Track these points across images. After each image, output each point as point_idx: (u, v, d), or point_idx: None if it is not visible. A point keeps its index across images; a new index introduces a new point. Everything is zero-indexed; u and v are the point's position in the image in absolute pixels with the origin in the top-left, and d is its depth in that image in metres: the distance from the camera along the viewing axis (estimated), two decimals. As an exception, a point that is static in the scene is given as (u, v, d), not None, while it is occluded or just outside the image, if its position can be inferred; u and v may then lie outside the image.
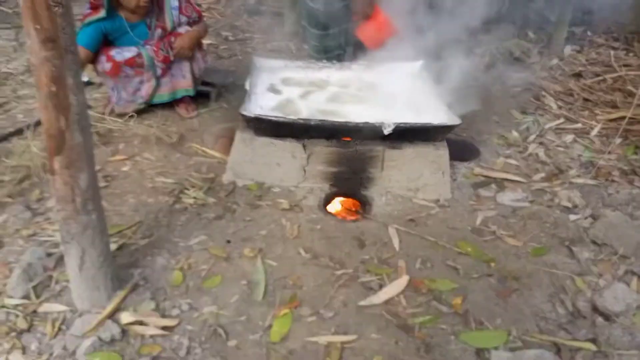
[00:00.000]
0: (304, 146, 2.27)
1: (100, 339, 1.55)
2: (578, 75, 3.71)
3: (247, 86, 2.40)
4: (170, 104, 3.01)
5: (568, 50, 4.24)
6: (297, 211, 2.21)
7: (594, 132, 2.94)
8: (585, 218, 2.19)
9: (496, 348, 1.59)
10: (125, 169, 2.47)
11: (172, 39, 2.83)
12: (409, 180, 2.31)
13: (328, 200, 2.32)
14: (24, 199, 2.20)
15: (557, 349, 1.60)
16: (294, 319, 1.68)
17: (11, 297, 1.70)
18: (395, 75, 2.72)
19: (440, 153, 2.30)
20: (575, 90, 3.44)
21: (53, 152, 1.39)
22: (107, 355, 1.52)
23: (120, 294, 1.70)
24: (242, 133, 2.32)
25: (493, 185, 2.45)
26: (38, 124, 2.58)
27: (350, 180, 2.33)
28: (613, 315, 1.72)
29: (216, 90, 3.24)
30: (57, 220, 1.52)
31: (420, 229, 2.14)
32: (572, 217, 2.20)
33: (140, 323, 1.63)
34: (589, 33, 4.72)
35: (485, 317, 1.72)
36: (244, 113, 2.16)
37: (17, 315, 1.63)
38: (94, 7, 2.69)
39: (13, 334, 1.58)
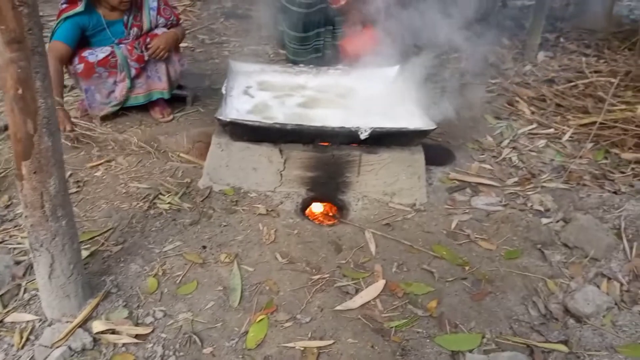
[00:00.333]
0: (281, 151, 2.26)
1: (70, 348, 1.51)
2: (551, 81, 3.79)
3: (223, 90, 2.38)
4: (145, 108, 2.97)
5: (541, 56, 4.34)
6: (274, 216, 2.20)
7: (566, 137, 3.00)
8: (557, 221, 2.23)
9: (471, 351, 1.61)
10: (98, 174, 2.43)
11: (148, 39, 2.80)
12: (385, 184, 2.33)
13: (305, 205, 2.31)
14: (-9, 204, 2.14)
15: (530, 350, 1.63)
16: (271, 324, 1.67)
17: (-23, 306, 1.65)
18: (372, 80, 2.74)
19: (416, 158, 2.32)
20: (547, 95, 3.51)
21: (20, 156, 1.35)
22: (78, 365, 1.49)
23: (92, 302, 1.67)
24: (218, 137, 2.30)
25: (468, 190, 2.48)
26: (6, 128, 2.51)
27: (327, 185, 2.33)
28: (584, 317, 1.75)
29: (192, 94, 3.21)
30: (25, 227, 1.48)
31: (396, 233, 2.15)
32: (544, 220, 2.24)
33: (113, 332, 1.59)
34: (561, 40, 4.84)
35: (459, 320, 1.73)
36: (220, 117, 2.14)
37: (-17, 326, 1.58)
38: (71, 2, 2.65)
39: (-22, 344, 1.53)
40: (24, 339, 1.55)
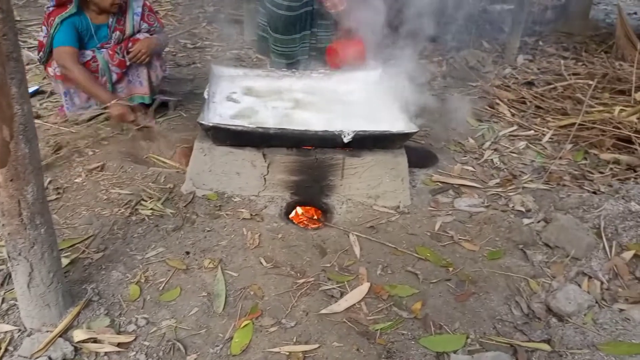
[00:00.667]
0: (264, 155, 2.25)
1: (50, 358, 1.48)
2: (530, 84, 3.85)
3: (205, 95, 2.37)
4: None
5: (521, 59, 4.41)
6: (258, 220, 2.19)
7: (546, 138, 3.05)
8: (538, 222, 2.26)
9: (455, 351, 1.62)
10: (78, 180, 2.39)
11: (130, 44, 2.77)
12: (369, 187, 2.33)
13: (289, 209, 2.31)
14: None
15: (514, 350, 1.64)
16: (255, 329, 1.66)
17: (-47, 317, 1.61)
18: (355, 84, 2.75)
19: (399, 160, 2.33)
20: (527, 98, 3.56)
21: (-3, 164, 1.33)
22: (58, 376, 1.46)
23: (73, 310, 1.64)
24: (200, 142, 2.28)
25: (451, 191, 2.50)
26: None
27: (311, 189, 2.33)
28: (566, 316, 1.78)
29: (175, 99, 3.19)
30: (2, 236, 1.45)
31: (381, 235, 2.15)
32: (526, 220, 2.27)
33: (94, 340, 1.57)
34: (540, 43, 4.92)
35: (444, 321, 1.74)
36: (202, 122, 2.13)
37: (-41, 337, 1.54)
38: (60, 4, 2.62)
39: (-45, 357, 1.49)
40: (2, 350, 1.51)
